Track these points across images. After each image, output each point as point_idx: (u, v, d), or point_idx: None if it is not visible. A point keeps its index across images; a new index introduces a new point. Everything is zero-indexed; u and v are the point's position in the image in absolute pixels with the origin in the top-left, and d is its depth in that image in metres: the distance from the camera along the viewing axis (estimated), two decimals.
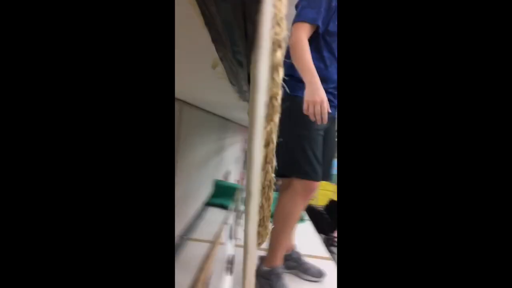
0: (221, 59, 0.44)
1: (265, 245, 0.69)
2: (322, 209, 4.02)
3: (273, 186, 0.49)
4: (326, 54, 1.19)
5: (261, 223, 0.52)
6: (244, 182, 1.14)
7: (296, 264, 1.37)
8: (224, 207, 2.25)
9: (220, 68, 0.54)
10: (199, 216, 1.99)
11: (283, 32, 0.22)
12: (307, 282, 1.34)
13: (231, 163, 3.73)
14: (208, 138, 1.83)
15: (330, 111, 1.05)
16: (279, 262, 1.23)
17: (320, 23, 1.13)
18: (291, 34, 1.11)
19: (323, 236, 3.26)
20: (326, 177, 1.30)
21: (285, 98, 0.60)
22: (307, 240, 1.85)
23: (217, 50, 0.38)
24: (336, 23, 1.16)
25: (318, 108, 1.02)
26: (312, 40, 1.14)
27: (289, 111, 1.08)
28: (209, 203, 2.28)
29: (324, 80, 1.07)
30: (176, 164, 1.35)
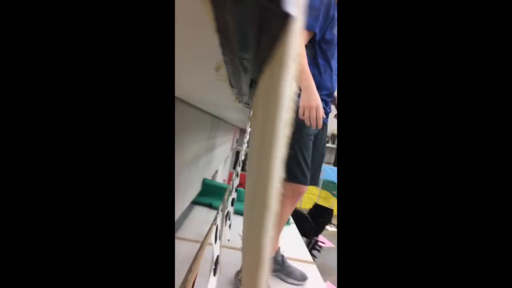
0: (225, 62, 0.44)
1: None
2: (306, 213, 4.05)
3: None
4: (321, 61, 1.20)
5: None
6: (233, 182, 1.15)
7: (279, 267, 1.38)
8: (211, 206, 2.24)
9: (223, 70, 0.53)
10: (185, 215, 1.98)
11: (299, 47, 0.23)
12: (290, 285, 1.36)
13: (220, 162, 3.72)
14: (200, 136, 1.82)
15: (325, 116, 1.07)
16: None
17: (317, 31, 1.14)
18: None
19: (306, 239, 3.29)
20: (314, 181, 1.31)
21: None
22: (291, 243, 1.86)
23: (224, 54, 0.39)
24: (333, 31, 1.18)
25: (313, 113, 1.04)
26: (308, 47, 1.16)
27: None
28: (197, 202, 2.27)
29: (318, 86, 1.09)
30: None
